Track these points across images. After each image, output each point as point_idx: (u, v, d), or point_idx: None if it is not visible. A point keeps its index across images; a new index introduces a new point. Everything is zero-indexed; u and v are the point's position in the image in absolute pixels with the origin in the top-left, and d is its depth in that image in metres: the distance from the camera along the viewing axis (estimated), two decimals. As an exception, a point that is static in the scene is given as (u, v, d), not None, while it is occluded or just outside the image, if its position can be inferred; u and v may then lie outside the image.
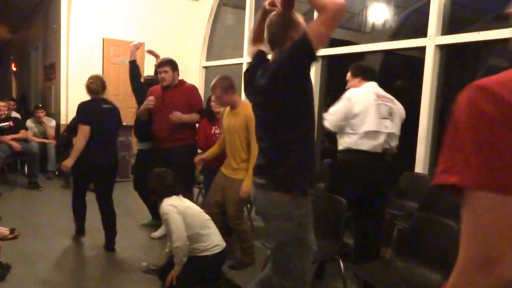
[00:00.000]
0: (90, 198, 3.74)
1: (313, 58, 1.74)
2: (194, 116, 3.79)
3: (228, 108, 3.29)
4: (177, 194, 2.88)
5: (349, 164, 2.94)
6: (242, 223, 3.24)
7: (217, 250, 2.81)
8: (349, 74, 3.12)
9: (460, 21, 3.97)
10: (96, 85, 3.48)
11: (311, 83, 1.92)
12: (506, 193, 0.61)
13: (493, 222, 0.63)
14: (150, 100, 3.77)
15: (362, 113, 2.84)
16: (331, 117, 2.89)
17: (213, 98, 3.62)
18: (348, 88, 3.07)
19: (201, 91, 7.15)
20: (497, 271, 0.61)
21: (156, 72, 4.13)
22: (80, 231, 3.82)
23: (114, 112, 3.58)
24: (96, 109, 3.45)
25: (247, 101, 3.30)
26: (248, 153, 3.13)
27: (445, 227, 2.17)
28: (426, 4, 3.82)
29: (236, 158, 3.18)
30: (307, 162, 1.89)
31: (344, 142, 2.91)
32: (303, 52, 1.72)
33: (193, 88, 3.96)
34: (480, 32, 3.42)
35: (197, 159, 3.51)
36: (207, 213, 3.00)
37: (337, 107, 2.90)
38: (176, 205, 2.78)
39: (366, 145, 2.85)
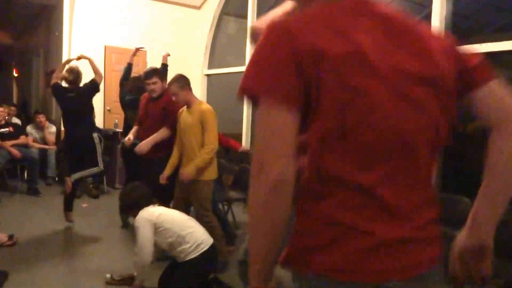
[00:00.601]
0: (91, 206, 3.72)
1: None
2: (162, 133, 3.52)
3: (184, 108, 3.30)
4: (153, 204, 2.85)
5: None
6: (211, 219, 3.20)
7: (203, 248, 2.70)
8: None
9: (463, 33, 4.00)
10: (72, 77, 4.12)
11: None
12: (284, 104, 0.78)
13: (266, 130, 0.79)
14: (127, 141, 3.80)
15: None
16: None
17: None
18: None
19: (203, 99, 7.17)
20: (266, 173, 0.78)
21: (136, 80, 4.21)
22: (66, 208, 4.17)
23: (77, 99, 4.15)
24: (62, 97, 4.20)
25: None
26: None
27: (453, 239, 2.14)
28: (428, 16, 3.85)
29: (194, 158, 3.16)
30: None
31: None
32: None
33: (172, 102, 3.50)
34: (483, 44, 3.44)
35: (161, 180, 3.37)
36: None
37: None
38: (150, 219, 2.70)
39: None
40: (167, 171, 3.38)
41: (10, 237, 3.67)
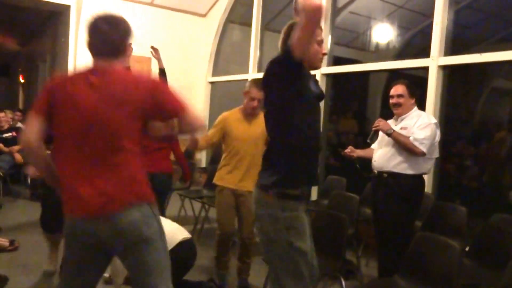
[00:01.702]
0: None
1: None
2: None
3: (240, 115, 3.04)
4: None
5: (422, 188, 2.92)
6: (254, 236, 3.01)
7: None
8: (405, 91, 2.86)
9: (463, 42, 4.01)
10: None
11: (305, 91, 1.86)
12: (35, 114, 1.62)
13: (26, 124, 1.70)
14: None
15: (438, 139, 2.87)
16: (427, 142, 2.74)
17: None
18: (400, 105, 2.88)
19: (206, 106, 7.20)
20: (24, 138, 1.63)
21: None
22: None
23: None
24: None
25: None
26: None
27: (447, 247, 2.15)
28: (430, 26, 3.86)
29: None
30: (298, 167, 1.84)
31: (421, 168, 2.82)
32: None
33: None
34: (483, 54, 3.44)
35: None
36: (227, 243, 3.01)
37: (427, 132, 2.75)
38: None
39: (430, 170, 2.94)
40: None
41: (12, 242, 3.69)
